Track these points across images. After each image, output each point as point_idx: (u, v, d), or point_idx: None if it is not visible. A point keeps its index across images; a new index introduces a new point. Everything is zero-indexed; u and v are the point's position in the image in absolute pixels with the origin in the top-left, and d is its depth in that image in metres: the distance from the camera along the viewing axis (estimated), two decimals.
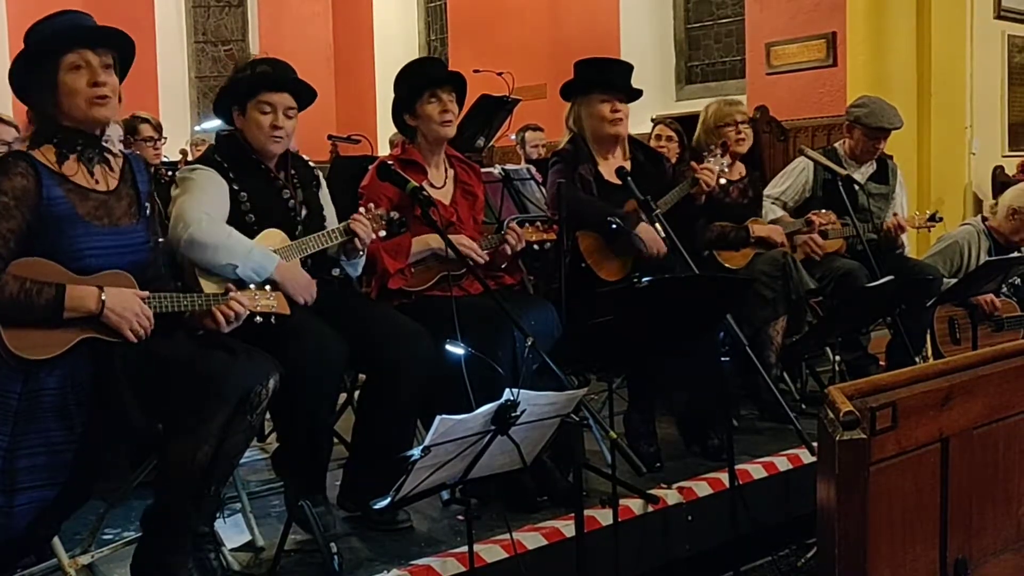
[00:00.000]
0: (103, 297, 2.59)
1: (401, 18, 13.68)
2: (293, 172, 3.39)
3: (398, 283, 3.60)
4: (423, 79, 3.74)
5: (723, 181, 4.36)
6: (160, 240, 2.98)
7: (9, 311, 2.52)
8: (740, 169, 4.74)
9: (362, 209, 3.37)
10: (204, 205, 3.12)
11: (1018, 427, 2.59)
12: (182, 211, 3.10)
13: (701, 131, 4.70)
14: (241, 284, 2.95)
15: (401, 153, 3.79)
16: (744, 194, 4.73)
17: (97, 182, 2.74)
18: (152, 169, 5.50)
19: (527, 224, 3.82)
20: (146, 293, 2.68)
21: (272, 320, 2.91)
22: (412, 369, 3.21)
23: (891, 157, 5.24)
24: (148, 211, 2.86)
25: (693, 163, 4.32)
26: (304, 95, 3.36)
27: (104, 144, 2.80)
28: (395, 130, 3.95)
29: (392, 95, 3.80)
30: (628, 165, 4.11)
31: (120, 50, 2.77)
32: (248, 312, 2.83)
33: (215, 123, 3.98)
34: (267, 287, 2.93)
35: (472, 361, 3.07)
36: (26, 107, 2.75)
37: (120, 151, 2.90)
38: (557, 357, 3.12)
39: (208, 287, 3.01)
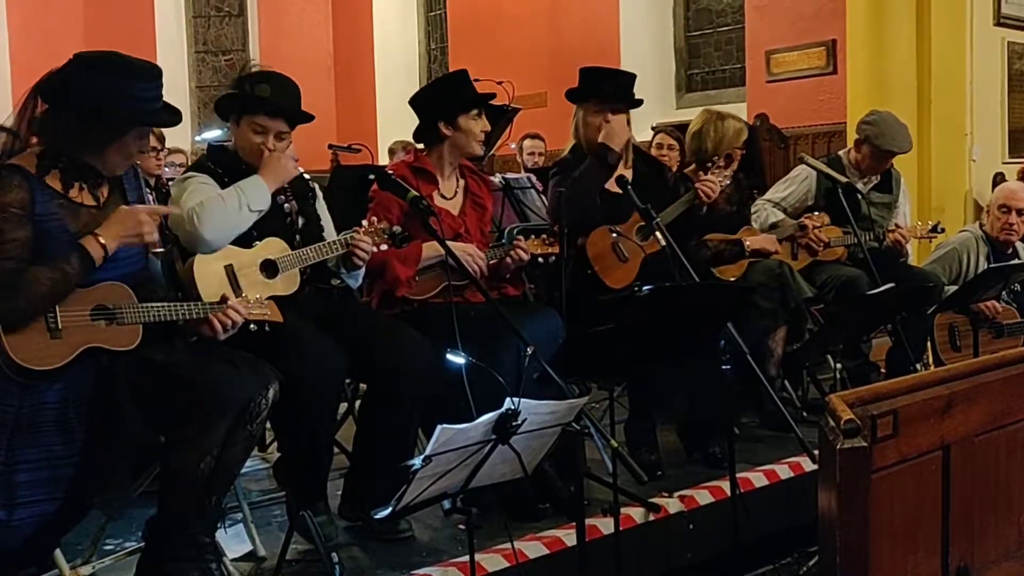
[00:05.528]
0: (101, 240, 2.64)
1: (401, 27, 13.71)
2: (287, 184, 3.38)
3: (404, 291, 3.60)
4: (475, 96, 3.81)
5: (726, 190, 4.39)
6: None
7: (51, 296, 2.55)
8: None
9: (364, 223, 3.37)
10: (196, 199, 3.13)
11: (1019, 434, 2.58)
12: (181, 211, 3.09)
13: (713, 145, 4.63)
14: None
15: (413, 160, 3.80)
16: (729, 201, 4.72)
17: (96, 198, 2.75)
18: (150, 178, 5.52)
19: (533, 236, 3.82)
20: (142, 207, 2.76)
21: (266, 328, 2.92)
22: (413, 378, 3.21)
23: (893, 165, 5.24)
24: None
25: (700, 175, 4.31)
26: (299, 120, 3.34)
27: None
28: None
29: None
30: (629, 174, 4.11)
31: None
32: (243, 319, 2.84)
33: (216, 133, 3.98)
34: (258, 295, 2.95)
35: (473, 370, 3.07)
36: (41, 132, 2.72)
37: None
38: (558, 366, 3.12)
39: (208, 297, 3.01)
